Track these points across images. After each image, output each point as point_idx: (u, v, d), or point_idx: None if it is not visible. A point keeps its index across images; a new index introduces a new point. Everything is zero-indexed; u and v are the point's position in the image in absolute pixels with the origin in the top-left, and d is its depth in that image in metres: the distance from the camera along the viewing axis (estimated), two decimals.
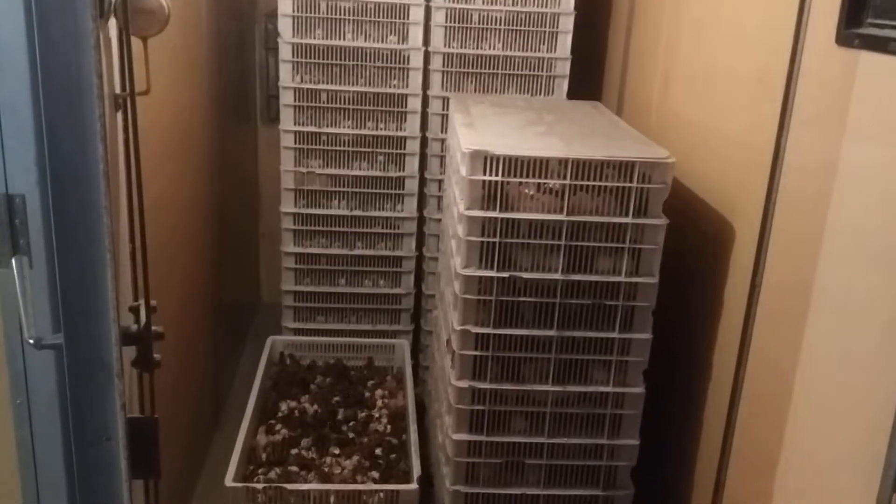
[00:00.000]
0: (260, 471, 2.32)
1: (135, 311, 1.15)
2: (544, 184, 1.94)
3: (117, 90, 1.37)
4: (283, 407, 2.65)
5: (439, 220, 2.86)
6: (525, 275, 1.97)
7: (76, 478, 1.06)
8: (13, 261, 1.28)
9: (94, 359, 1.00)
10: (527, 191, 1.96)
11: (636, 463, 2.10)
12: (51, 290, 1.31)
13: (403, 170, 2.91)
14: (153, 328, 1.14)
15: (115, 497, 1.08)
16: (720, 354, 1.98)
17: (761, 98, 1.80)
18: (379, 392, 2.77)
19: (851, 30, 1.41)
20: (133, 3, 1.14)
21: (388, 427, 2.58)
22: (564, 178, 1.92)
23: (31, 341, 1.07)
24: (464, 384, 2.03)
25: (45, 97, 0.94)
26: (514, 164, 1.91)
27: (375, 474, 2.34)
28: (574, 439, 2.08)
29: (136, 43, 1.36)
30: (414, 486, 2.18)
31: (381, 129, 2.87)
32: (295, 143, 2.86)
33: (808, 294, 1.52)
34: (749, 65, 1.91)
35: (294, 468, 2.34)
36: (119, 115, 1.40)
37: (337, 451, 2.43)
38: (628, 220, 1.94)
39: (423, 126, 2.88)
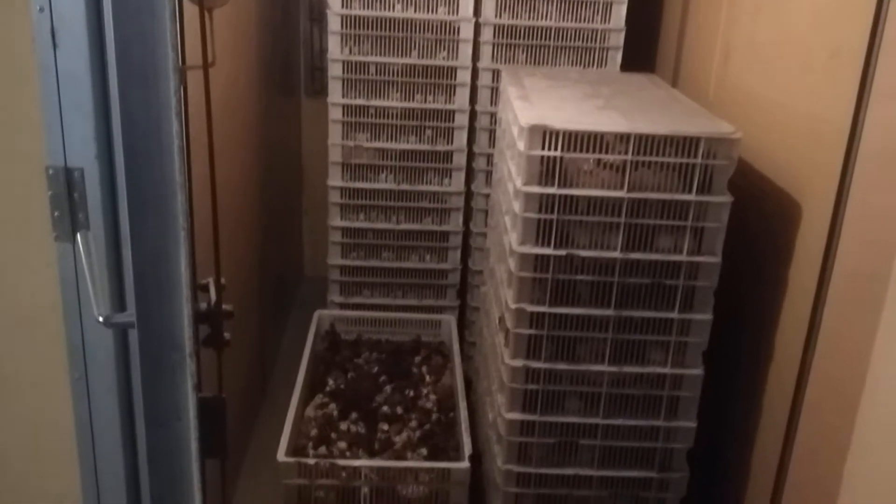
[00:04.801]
0: (310, 445, 2.32)
1: (203, 288, 1.13)
2: (604, 159, 1.89)
3: None
4: (331, 381, 2.64)
5: (487, 195, 2.82)
6: (583, 253, 1.92)
7: (146, 459, 1.05)
8: (78, 236, 1.27)
9: (167, 338, 0.98)
10: (586, 167, 1.91)
11: (692, 445, 2.06)
12: (110, 266, 1.30)
13: (452, 144, 2.87)
14: (224, 307, 1.12)
15: (185, 478, 1.06)
16: (785, 337, 1.92)
17: (837, 72, 1.72)
18: (426, 368, 2.75)
19: None
20: None
21: (436, 404, 2.56)
22: (625, 153, 1.87)
23: (101, 319, 1.05)
24: (518, 363, 2.00)
25: (119, 71, 0.91)
26: (574, 139, 1.86)
27: (424, 451, 2.33)
28: (629, 420, 2.04)
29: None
30: (465, 464, 2.16)
31: (429, 102, 2.83)
32: (343, 116, 2.83)
33: (886, 281, 1.46)
34: (822, 36, 1.84)
35: (343, 443, 2.33)
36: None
37: (386, 427, 2.42)
38: (691, 197, 1.88)
39: (473, 99, 2.83)
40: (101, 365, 1.36)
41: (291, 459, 2.11)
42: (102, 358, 1.36)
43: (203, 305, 1.10)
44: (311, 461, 2.11)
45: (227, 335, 1.13)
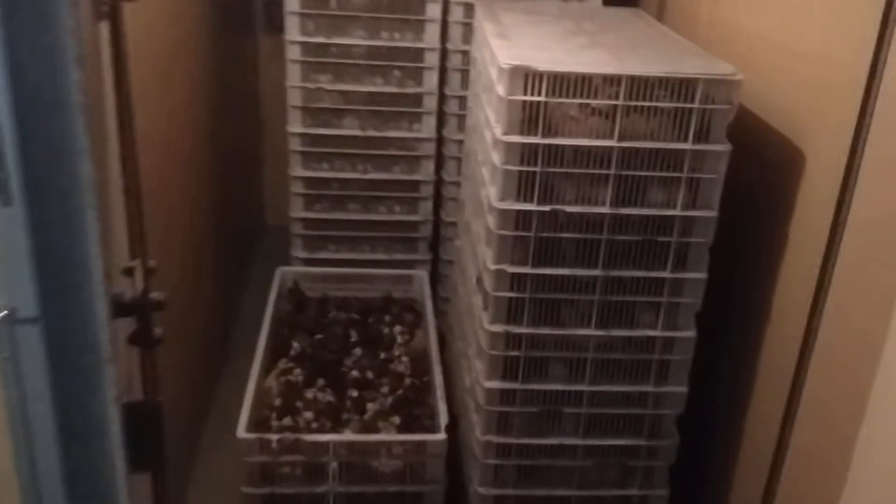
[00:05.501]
0: (273, 416, 2.15)
1: (130, 273, 0.94)
2: (592, 104, 1.70)
3: None
4: (296, 344, 2.46)
5: (461, 142, 2.62)
6: (569, 208, 1.75)
7: (68, 473, 0.87)
8: None
9: (79, 339, 0.80)
10: (572, 113, 1.72)
11: (683, 411, 1.93)
12: (35, 246, 1.10)
13: (421, 85, 2.65)
14: (153, 296, 0.93)
15: (111, 496, 0.89)
16: (786, 298, 1.78)
17: (854, 5, 1.54)
18: (398, 328, 2.58)
19: None
20: None
21: (409, 366, 2.41)
22: (616, 98, 1.69)
23: (4, 312, 0.86)
24: (498, 328, 1.84)
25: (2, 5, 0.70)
26: (559, 82, 1.67)
27: (397, 420, 2.18)
28: (617, 386, 1.91)
29: None
30: (442, 436, 2.01)
31: (396, 39, 2.60)
32: (302, 55, 2.59)
33: None
34: None
35: (309, 413, 2.17)
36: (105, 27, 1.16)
37: (355, 394, 2.26)
38: (687, 145, 1.71)
39: (444, 36, 2.61)
40: (32, 355, 1.17)
41: (252, 436, 1.95)
42: (33, 344, 1.17)
43: (128, 295, 0.91)
44: (275, 437, 1.94)
45: (158, 331, 0.94)
